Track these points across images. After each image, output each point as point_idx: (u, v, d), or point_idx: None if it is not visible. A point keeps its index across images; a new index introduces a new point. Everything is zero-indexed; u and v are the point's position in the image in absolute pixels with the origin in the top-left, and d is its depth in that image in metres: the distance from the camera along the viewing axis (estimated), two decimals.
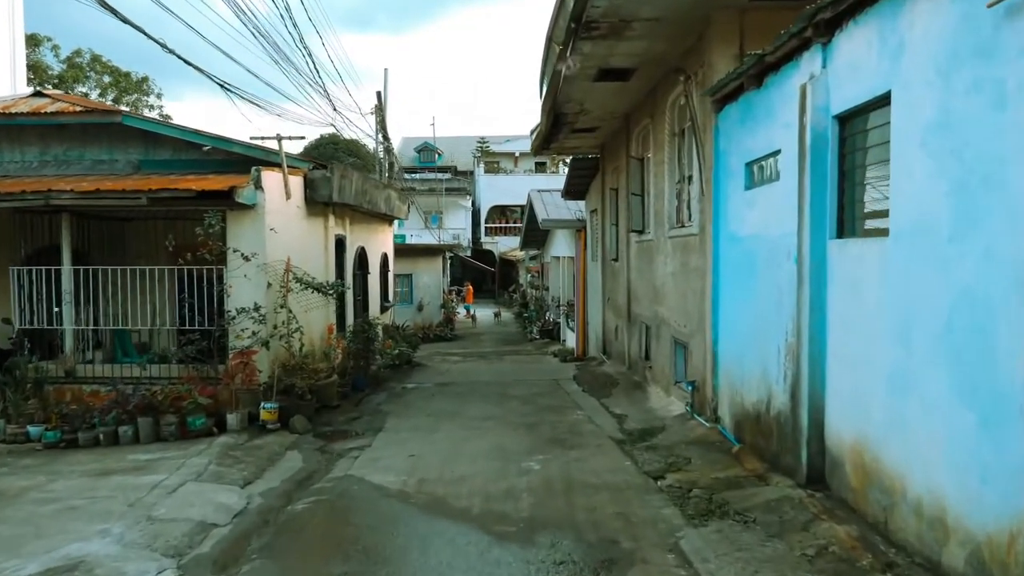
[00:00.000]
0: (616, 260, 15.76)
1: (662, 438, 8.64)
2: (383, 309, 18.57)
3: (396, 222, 43.33)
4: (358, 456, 8.73)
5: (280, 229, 11.19)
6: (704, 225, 8.86)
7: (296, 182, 12.08)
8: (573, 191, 20.30)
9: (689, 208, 10.01)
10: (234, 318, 10.44)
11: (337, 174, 12.63)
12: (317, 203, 12.78)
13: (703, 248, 8.91)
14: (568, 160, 47.07)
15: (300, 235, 12.25)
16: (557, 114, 13.44)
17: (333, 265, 13.81)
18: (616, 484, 7.10)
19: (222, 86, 12.14)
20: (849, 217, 5.66)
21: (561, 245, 23.84)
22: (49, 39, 27.18)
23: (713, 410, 8.49)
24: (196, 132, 13.26)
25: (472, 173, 48.42)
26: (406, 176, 43.72)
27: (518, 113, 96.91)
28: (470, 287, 38.41)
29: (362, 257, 16.54)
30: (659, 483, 7.00)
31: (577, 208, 21.38)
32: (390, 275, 19.56)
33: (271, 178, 11.07)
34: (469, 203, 46.12)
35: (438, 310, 28.52)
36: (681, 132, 10.26)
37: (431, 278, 28.25)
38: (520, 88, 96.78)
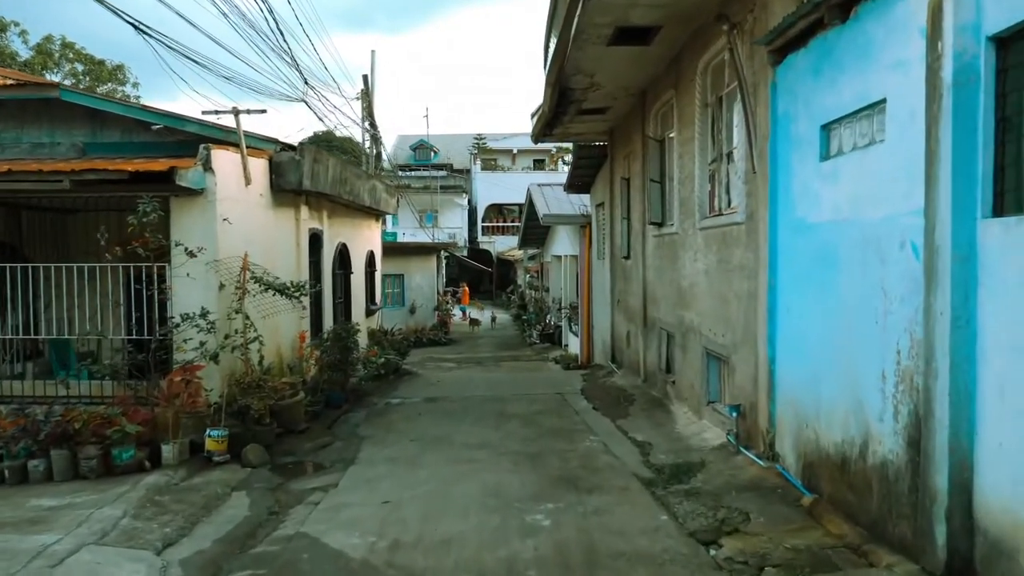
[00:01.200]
0: (628, 258, 13.89)
1: (703, 479, 6.76)
2: (369, 313, 16.68)
3: (389, 220, 41.59)
4: (319, 502, 6.84)
5: (237, 220, 9.30)
6: (754, 211, 6.99)
7: (259, 166, 10.19)
8: (577, 184, 18.42)
9: (728, 192, 8.14)
10: (178, 326, 8.56)
11: (308, 157, 10.74)
12: (286, 191, 10.89)
13: (752, 240, 7.04)
14: (569, 158, 45.22)
15: (264, 228, 10.35)
16: (563, 90, 11.55)
17: (306, 263, 11.91)
18: (654, 554, 5.21)
19: (135, 26, 10.18)
20: (1013, 186, 3.79)
21: (563, 243, 21.96)
22: (17, 24, 25.26)
23: (769, 444, 6.62)
24: (143, 108, 11.39)
25: (468, 171, 46.53)
26: (400, 174, 41.86)
27: (515, 113, 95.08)
28: (466, 288, 36.52)
29: (343, 255, 14.65)
30: (713, 553, 5.12)
31: (581, 203, 19.51)
32: (377, 275, 17.68)
33: (225, 159, 9.17)
34: (465, 201, 44.21)
35: (432, 313, 26.63)
36: (718, 100, 8.39)
37: (424, 279, 26.37)
38: (518, 88, 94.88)
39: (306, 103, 14.15)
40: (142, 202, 8.13)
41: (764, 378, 6.70)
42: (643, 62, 10.21)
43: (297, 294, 9.33)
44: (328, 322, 13.04)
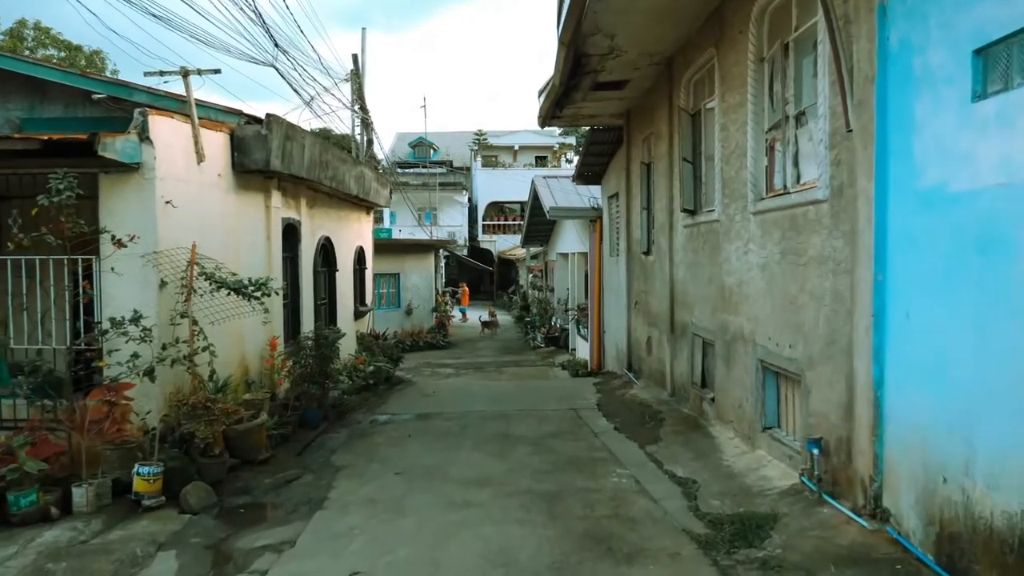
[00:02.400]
0: (648, 254, 12.11)
1: (782, 542, 4.97)
2: (358, 315, 14.90)
3: (387, 218, 39.86)
4: (266, 572, 5.07)
5: (186, 204, 7.54)
6: (845, 183, 5.21)
7: (216, 141, 8.41)
8: (587, 174, 16.64)
9: (797, 164, 6.35)
10: (105, 333, 6.80)
11: (278, 131, 8.96)
12: (252, 173, 9.13)
13: (842, 222, 5.26)
14: (571, 156, 43.48)
15: (223, 215, 8.59)
16: (578, 57, 9.75)
17: (279, 259, 10.13)
18: None
19: None
20: None
21: (570, 239, 20.19)
22: None
23: (873, 497, 4.84)
24: (85, 76, 9.63)
25: (469, 169, 44.74)
26: (399, 171, 40.11)
27: (516, 111, 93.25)
28: (466, 288, 34.75)
29: (327, 250, 12.87)
30: None
31: (590, 195, 17.75)
32: (368, 273, 15.90)
33: (168, 129, 7.40)
34: (465, 199, 42.42)
35: (429, 314, 24.85)
36: (783, 48, 6.59)
37: (421, 278, 24.58)
38: (518, 87, 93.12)
39: (276, 68, 12.24)
40: (54, 178, 6.37)
41: (864, 407, 4.92)
42: (675, 17, 8.44)
43: (257, 294, 7.54)
44: (308, 326, 11.27)
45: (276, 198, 9.93)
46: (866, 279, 4.84)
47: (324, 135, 35.24)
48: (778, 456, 6.51)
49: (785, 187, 6.46)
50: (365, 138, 16.24)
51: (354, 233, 14.76)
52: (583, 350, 18.24)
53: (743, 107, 7.30)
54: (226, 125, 8.75)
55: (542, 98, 12.83)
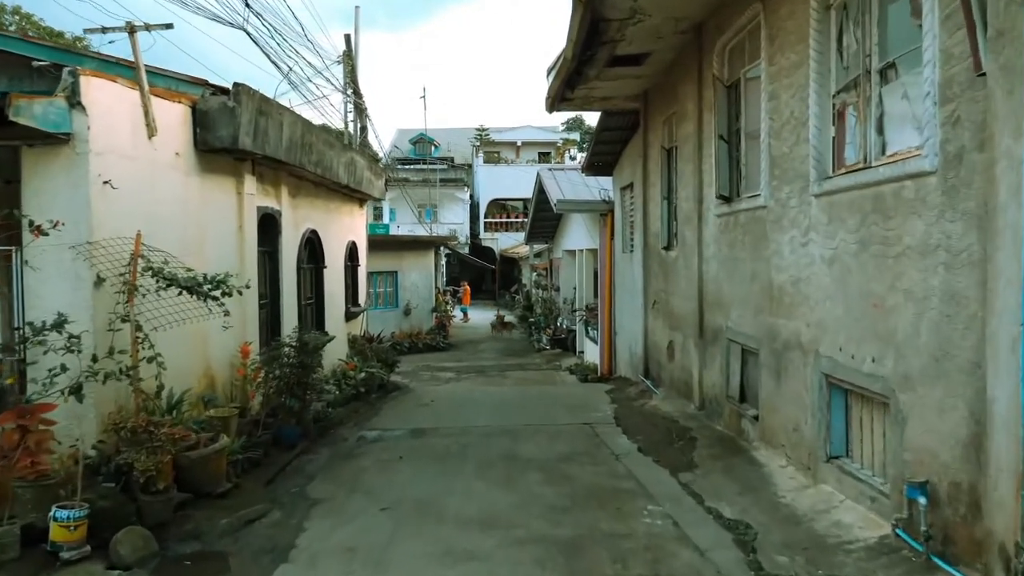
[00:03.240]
0: (669, 248, 10.81)
1: None
2: (349, 316, 13.60)
3: (386, 214, 38.54)
4: None
5: (131, 185, 6.26)
6: (971, 147, 3.89)
7: (173, 113, 7.12)
8: (597, 164, 15.34)
9: (882, 131, 5.02)
10: (26, 340, 5.51)
11: (248, 104, 7.66)
12: (218, 152, 7.83)
13: (962, 198, 3.96)
14: (575, 153, 42.14)
15: (182, 201, 7.29)
16: (595, 22, 8.45)
17: (254, 254, 8.83)
18: None
19: None
20: None
21: (578, 235, 18.89)
22: None
23: (1018, 571, 3.53)
24: (24, 40, 8.32)
25: (470, 166, 43.40)
26: (398, 167, 38.82)
27: (518, 109, 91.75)
28: (467, 287, 33.45)
29: (313, 245, 11.57)
30: None
31: (600, 187, 16.45)
32: (361, 271, 14.60)
33: (109, 95, 6.11)
34: (467, 196, 41.10)
35: (429, 314, 23.54)
36: None
37: (420, 276, 23.27)
38: (520, 85, 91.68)
39: (247, 32, 10.94)
40: None
41: (1006, 446, 3.61)
42: None
43: (215, 293, 6.24)
44: (290, 330, 9.96)
45: (250, 184, 8.63)
46: (1010, 274, 3.53)
47: (324, 130, 33.98)
48: (853, 495, 5.21)
49: (865, 160, 5.14)
50: (359, 125, 14.92)
51: (345, 227, 13.46)
52: (592, 353, 16.95)
53: (801, 68, 5.99)
54: (187, 96, 7.44)
55: (551, 77, 11.52)
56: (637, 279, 12.79)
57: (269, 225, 9.57)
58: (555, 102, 12.49)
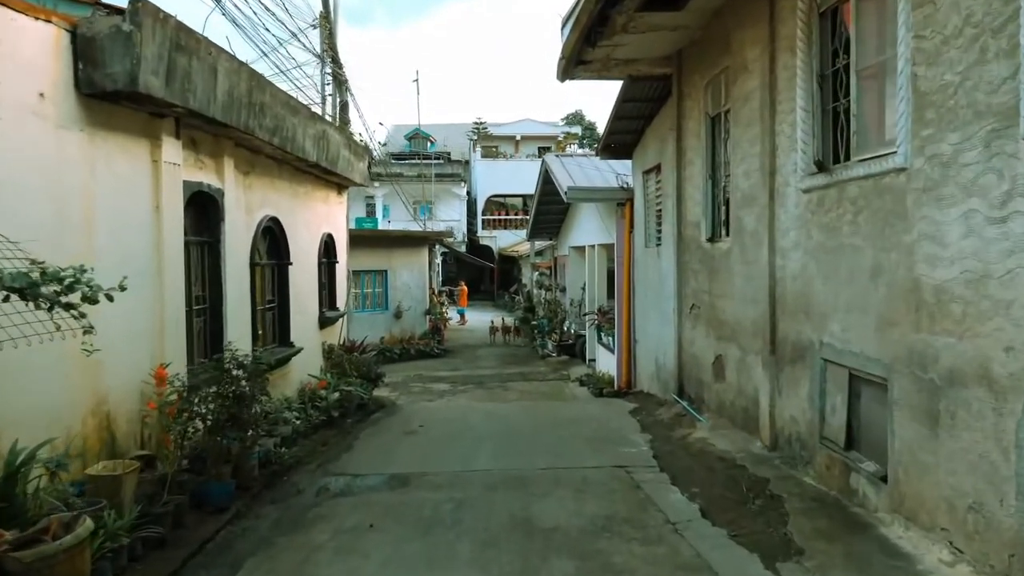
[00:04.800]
0: (715, 240, 8.55)
1: None
2: (324, 322, 11.29)
3: (379, 212, 36.12)
4: None
5: None
6: None
7: (39, 37, 4.80)
8: (614, 145, 13.04)
9: None
10: None
11: (156, 31, 5.35)
12: (120, 104, 5.54)
13: None
14: (575, 148, 39.84)
15: (54, 166, 4.97)
16: None
17: (177, 242, 6.51)
18: None
19: None
20: None
21: (588, 228, 16.61)
22: None
23: None
24: None
25: (467, 162, 41.03)
26: (392, 162, 36.51)
27: (517, 106, 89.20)
28: (464, 287, 31.13)
29: (275, 236, 9.26)
30: None
31: (615, 173, 14.19)
32: (340, 269, 12.28)
33: None
34: (464, 191, 38.75)
35: (422, 317, 21.24)
36: None
37: (413, 276, 20.96)
38: (518, 80, 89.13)
39: None
40: None
41: None
42: None
43: (67, 298, 3.92)
44: (243, 342, 7.67)
45: (172, 149, 6.31)
46: None
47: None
48: None
49: None
50: (339, 100, 12.62)
51: (319, 216, 11.14)
52: (606, 362, 14.68)
53: None
54: (63, 16, 5.14)
55: (566, 29, 9.24)
56: (667, 278, 10.52)
57: (206, 208, 7.27)
58: (570, 65, 10.20)
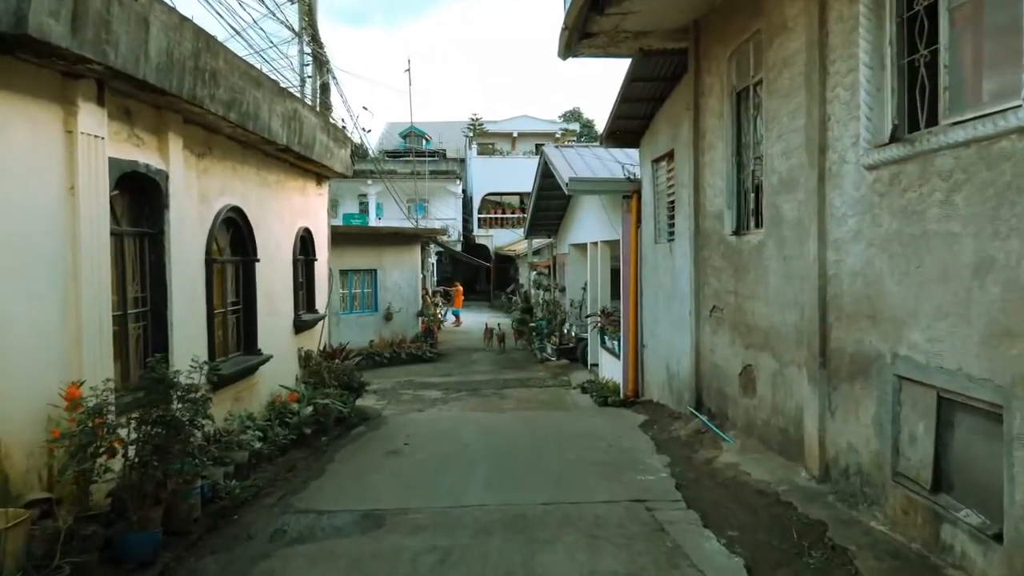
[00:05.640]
0: (742, 232, 7.39)
1: None
2: (301, 326, 10.07)
3: (372, 211, 34.89)
4: None
5: None
6: None
7: None
8: (620, 133, 11.86)
9: None
10: None
11: None
12: (17, 57, 4.35)
13: None
14: (574, 144, 38.58)
15: None
16: None
17: (103, 232, 5.30)
18: None
19: None
20: None
21: (590, 224, 15.44)
22: None
23: None
24: None
25: (463, 160, 39.80)
26: (386, 159, 35.28)
27: (513, 103, 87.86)
28: (459, 288, 29.93)
29: (238, 229, 8.05)
30: None
31: (619, 164, 13.03)
32: (319, 268, 11.07)
33: None
34: (459, 189, 37.53)
35: (414, 319, 20.04)
36: None
37: (404, 275, 19.74)
38: (516, 81, 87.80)
39: None
40: None
41: None
42: None
43: None
44: (195, 351, 6.47)
45: (92, 118, 5.10)
46: None
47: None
48: None
49: None
50: (319, 81, 11.41)
51: (294, 208, 9.94)
52: (611, 368, 13.50)
53: None
54: None
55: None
56: (681, 276, 9.36)
57: (146, 193, 6.07)
58: (573, 37, 9.03)
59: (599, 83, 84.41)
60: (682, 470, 6.71)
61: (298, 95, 10.31)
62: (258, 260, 8.36)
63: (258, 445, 6.79)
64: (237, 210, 7.83)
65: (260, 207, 8.52)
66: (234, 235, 8.02)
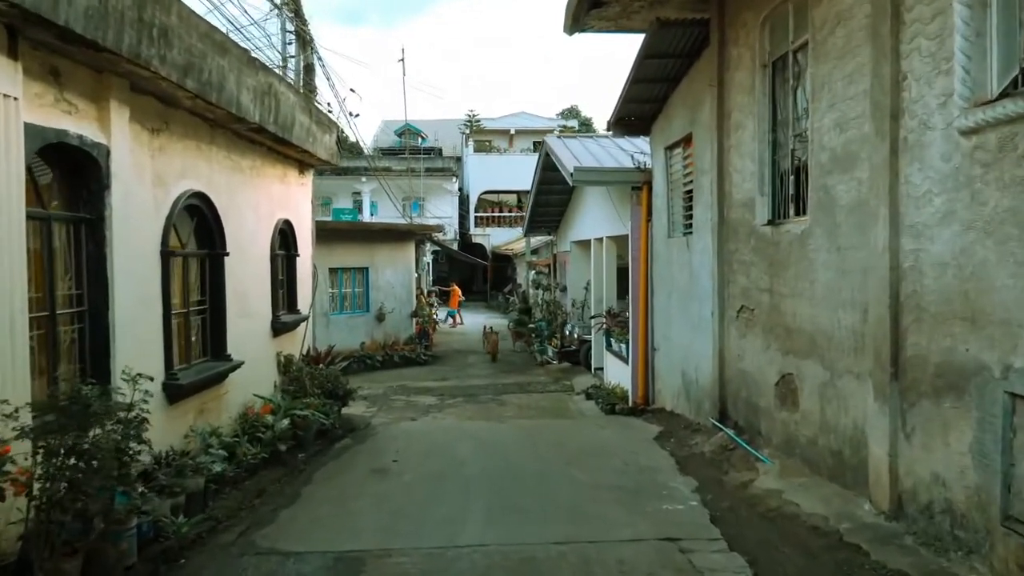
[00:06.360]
0: (779, 221, 6.41)
1: None
2: (280, 329, 9.05)
3: (367, 209, 33.88)
4: None
5: None
6: None
7: None
8: (630, 118, 10.88)
9: None
10: None
11: None
12: None
13: None
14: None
15: None
16: None
17: (12, 216, 4.29)
18: None
19: None
20: None
21: (594, 219, 14.46)
22: None
23: None
24: None
25: (460, 158, 38.78)
26: (381, 156, 34.28)
27: (512, 104, 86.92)
28: (456, 287, 28.91)
29: (204, 218, 7.03)
30: None
31: (626, 153, 12.06)
32: (302, 264, 10.06)
33: None
34: (455, 187, 36.51)
35: (408, 320, 19.02)
36: None
37: (397, 274, 18.72)
38: (514, 80, 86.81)
39: None
40: None
41: None
42: None
43: None
44: (147, 358, 5.47)
45: (1, 72, 4.10)
46: None
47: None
48: None
49: None
50: (302, 61, 10.41)
51: (273, 198, 8.93)
52: (617, 373, 12.51)
53: None
54: None
55: None
56: (700, 273, 8.39)
57: (81, 170, 5.06)
58: (581, 8, 8.06)
59: (599, 83, 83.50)
60: (714, 497, 5.72)
61: (277, 72, 9.28)
62: (227, 254, 7.34)
63: (219, 468, 5.77)
64: (202, 196, 6.81)
65: (231, 194, 7.50)
66: (199, 225, 7.00)
